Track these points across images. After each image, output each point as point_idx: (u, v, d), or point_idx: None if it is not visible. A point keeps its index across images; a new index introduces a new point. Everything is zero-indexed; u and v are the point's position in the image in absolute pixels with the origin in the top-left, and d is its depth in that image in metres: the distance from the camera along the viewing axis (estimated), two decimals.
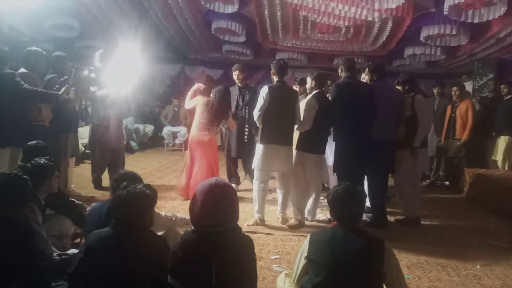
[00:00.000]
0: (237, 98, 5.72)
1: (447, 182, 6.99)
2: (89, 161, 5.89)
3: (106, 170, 5.49)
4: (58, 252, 2.66)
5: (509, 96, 6.68)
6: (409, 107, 4.53)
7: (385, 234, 3.85)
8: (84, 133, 7.34)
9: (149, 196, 2.08)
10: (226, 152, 5.97)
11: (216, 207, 2.03)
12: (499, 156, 6.52)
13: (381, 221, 4.39)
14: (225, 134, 5.88)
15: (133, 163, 5.89)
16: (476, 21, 5.93)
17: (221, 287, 1.96)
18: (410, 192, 4.62)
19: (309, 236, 2.22)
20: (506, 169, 6.40)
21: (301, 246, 2.25)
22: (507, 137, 6.45)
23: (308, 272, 2.17)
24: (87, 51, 7.84)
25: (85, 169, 5.72)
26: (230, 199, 2.10)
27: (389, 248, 2.16)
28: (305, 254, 2.16)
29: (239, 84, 5.79)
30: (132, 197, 2.02)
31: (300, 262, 2.22)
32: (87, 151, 7.20)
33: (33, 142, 3.45)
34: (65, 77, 4.57)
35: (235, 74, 5.72)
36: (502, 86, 6.87)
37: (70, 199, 3.46)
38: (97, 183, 5.48)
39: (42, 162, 2.80)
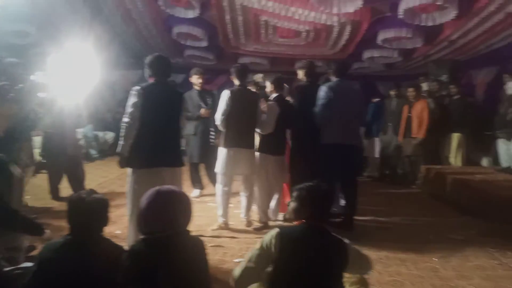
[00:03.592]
0: (199, 103, 5.63)
1: (387, 178, 7.37)
2: (44, 172, 5.69)
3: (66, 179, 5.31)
4: (11, 267, 2.56)
5: (458, 96, 7.05)
6: None
7: (348, 232, 3.92)
8: (38, 143, 7.10)
9: (103, 202, 2.04)
10: (188, 158, 5.85)
11: (159, 212, 1.96)
12: (451, 152, 6.84)
13: (348, 224, 4.38)
14: (187, 140, 5.79)
15: (94, 172, 5.75)
16: (429, 24, 6.20)
17: None
18: None
19: (275, 231, 2.15)
20: (459, 164, 6.70)
21: (264, 241, 2.17)
22: (458, 134, 6.79)
23: (259, 264, 2.14)
24: (43, 58, 7.60)
25: (43, 179, 5.52)
26: (174, 204, 2.02)
27: (351, 248, 2.18)
28: (272, 248, 2.10)
29: (198, 89, 5.66)
30: (88, 205, 1.97)
31: (258, 252, 2.16)
32: (43, 161, 6.97)
33: None
34: (20, 85, 4.41)
35: (195, 78, 5.64)
36: (451, 86, 7.23)
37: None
38: (55, 194, 5.29)
39: None
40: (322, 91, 4.26)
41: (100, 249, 1.98)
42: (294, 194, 2.24)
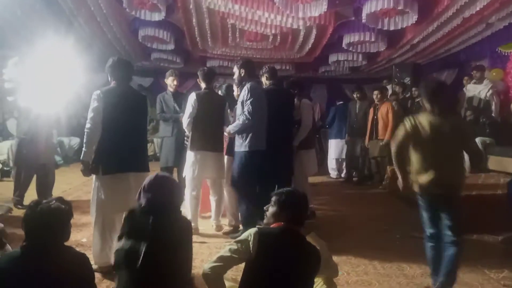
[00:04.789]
0: (174, 105, 5.52)
1: (355, 179, 7.59)
2: (7, 179, 5.47)
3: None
4: None
5: (419, 98, 7.28)
6: (297, 111, 4.78)
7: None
8: (1, 149, 6.84)
9: (64, 211, 1.97)
10: (163, 162, 5.59)
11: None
12: None
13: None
14: (160, 143, 5.65)
15: (58, 178, 5.55)
16: (391, 28, 6.38)
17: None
18: None
19: (254, 230, 2.18)
20: None
21: (241, 237, 2.19)
22: None
23: (231, 261, 2.17)
24: (4, 61, 7.33)
25: (4, 187, 5.31)
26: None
27: (323, 254, 2.24)
28: (249, 246, 2.12)
29: (171, 90, 5.56)
30: (46, 215, 1.90)
31: (232, 249, 2.17)
32: (5, 168, 6.71)
33: None
34: None
35: (171, 80, 5.48)
36: (413, 88, 7.46)
37: None
38: (19, 201, 5.10)
39: None
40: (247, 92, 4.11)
41: (61, 258, 1.91)
42: (273, 198, 2.28)
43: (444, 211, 2.91)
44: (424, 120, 2.91)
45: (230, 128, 4.15)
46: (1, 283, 1.83)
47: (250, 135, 4.03)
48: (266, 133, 4.14)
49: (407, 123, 2.94)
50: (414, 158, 2.97)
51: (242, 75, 4.16)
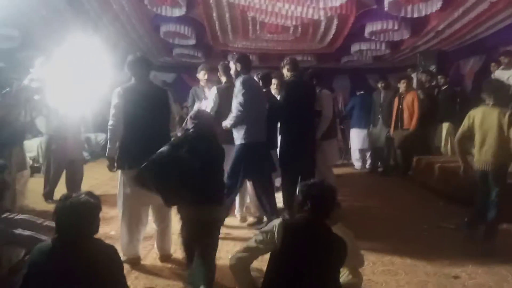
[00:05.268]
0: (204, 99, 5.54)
1: (380, 169, 7.48)
2: (38, 175, 5.65)
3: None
4: None
5: (446, 86, 7.12)
6: (318, 102, 4.72)
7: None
8: (31, 146, 7.03)
9: (93, 204, 2.03)
10: None
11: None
12: (441, 142, 6.92)
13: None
14: None
15: (86, 174, 5.70)
16: (415, 15, 6.23)
17: None
18: None
19: (278, 221, 2.21)
20: (449, 153, 6.77)
21: (266, 228, 2.22)
22: (447, 124, 6.87)
23: (257, 251, 2.21)
24: (31, 61, 7.54)
25: (34, 183, 5.48)
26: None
27: (350, 246, 2.24)
28: (274, 237, 2.14)
29: (203, 84, 5.55)
30: (76, 208, 1.96)
31: (258, 239, 2.22)
32: (35, 165, 6.91)
33: None
34: (7, 89, 4.37)
35: (202, 74, 5.47)
36: (439, 77, 7.28)
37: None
38: (49, 196, 5.27)
39: None
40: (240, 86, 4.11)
41: (90, 250, 1.97)
42: (300, 189, 2.29)
43: (493, 182, 3.68)
44: (479, 112, 3.72)
45: (226, 123, 4.16)
46: (34, 275, 1.90)
47: (246, 127, 4.05)
48: (289, 124, 4.19)
49: (468, 117, 3.79)
50: (475, 143, 3.76)
51: (239, 69, 4.17)
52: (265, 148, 4.22)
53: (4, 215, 2.75)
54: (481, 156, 3.68)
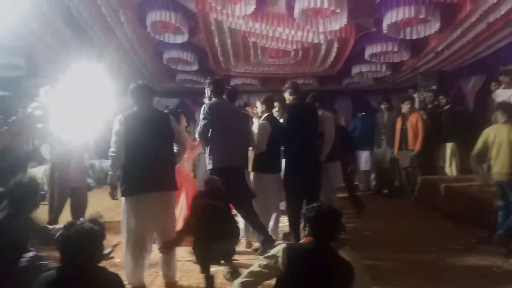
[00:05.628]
0: None
1: (385, 191, 7.43)
2: (43, 203, 5.62)
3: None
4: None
5: (447, 106, 7.13)
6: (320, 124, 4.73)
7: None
8: (37, 174, 7.04)
9: (98, 232, 2.02)
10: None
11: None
12: (446, 162, 6.89)
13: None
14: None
15: (91, 200, 5.68)
16: (414, 37, 6.29)
17: None
18: None
19: (283, 246, 2.18)
20: (454, 173, 6.74)
21: (271, 253, 2.20)
22: (451, 144, 6.85)
23: (261, 276, 2.17)
24: (36, 89, 7.65)
25: (39, 211, 5.47)
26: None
27: (357, 269, 2.20)
28: (278, 262, 2.12)
29: None
30: (80, 236, 1.95)
31: (262, 264, 2.18)
32: (41, 192, 6.90)
33: None
34: (13, 118, 4.42)
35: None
36: (440, 97, 7.31)
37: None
38: (54, 224, 5.24)
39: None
40: (202, 110, 4.15)
41: (95, 279, 1.95)
42: (302, 213, 2.29)
43: (509, 191, 4.18)
44: (492, 129, 4.34)
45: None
46: None
47: (213, 153, 4.05)
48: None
49: (483, 135, 4.37)
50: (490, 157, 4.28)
51: (210, 93, 4.22)
52: (238, 173, 4.15)
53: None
54: (497, 168, 4.20)
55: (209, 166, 4.11)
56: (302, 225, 2.28)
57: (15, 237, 2.78)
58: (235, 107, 4.55)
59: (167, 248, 3.36)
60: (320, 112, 4.82)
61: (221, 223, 3.30)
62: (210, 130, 4.06)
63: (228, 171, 4.00)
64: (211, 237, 3.21)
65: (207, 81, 4.33)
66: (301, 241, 2.27)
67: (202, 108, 4.12)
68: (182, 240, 3.40)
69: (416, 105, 7.90)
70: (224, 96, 4.33)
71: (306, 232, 2.25)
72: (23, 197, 2.93)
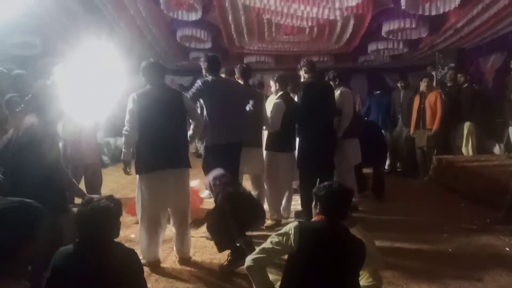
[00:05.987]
0: None
1: (399, 170, 7.41)
2: None
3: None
4: None
5: (466, 85, 6.97)
6: (338, 100, 4.69)
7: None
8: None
9: (113, 209, 2.05)
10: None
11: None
12: (462, 141, 6.79)
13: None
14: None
15: (106, 177, 5.81)
16: (433, 13, 6.13)
17: None
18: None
19: (294, 224, 2.20)
20: (470, 153, 6.64)
21: (283, 231, 2.21)
22: (468, 123, 6.73)
23: (273, 253, 2.20)
24: (51, 68, 7.71)
25: None
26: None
27: (368, 247, 2.22)
28: (290, 240, 2.14)
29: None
30: (96, 213, 1.99)
31: (274, 242, 2.20)
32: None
33: None
34: (29, 95, 4.46)
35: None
36: (459, 75, 7.14)
37: None
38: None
39: None
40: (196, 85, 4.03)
41: (110, 254, 2.00)
42: (313, 191, 2.29)
43: None
44: None
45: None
46: (57, 279, 1.94)
47: (208, 130, 3.96)
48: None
49: None
50: None
51: (205, 69, 4.14)
52: (236, 149, 4.10)
53: None
54: None
55: (204, 144, 4.08)
56: (313, 203, 2.29)
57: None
58: (235, 85, 4.42)
59: (198, 225, 3.52)
60: (338, 89, 4.76)
61: (251, 208, 3.44)
62: (204, 109, 4.00)
63: (226, 147, 3.96)
64: (243, 224, 3.32)
65: (202, 58, 4.25)
66: (312, 219, 2.28)
67: (196, 83, 4.03)
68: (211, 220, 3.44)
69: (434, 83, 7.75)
70: (222, 74, 4.27)
71: (318, 210, 2.26)
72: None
